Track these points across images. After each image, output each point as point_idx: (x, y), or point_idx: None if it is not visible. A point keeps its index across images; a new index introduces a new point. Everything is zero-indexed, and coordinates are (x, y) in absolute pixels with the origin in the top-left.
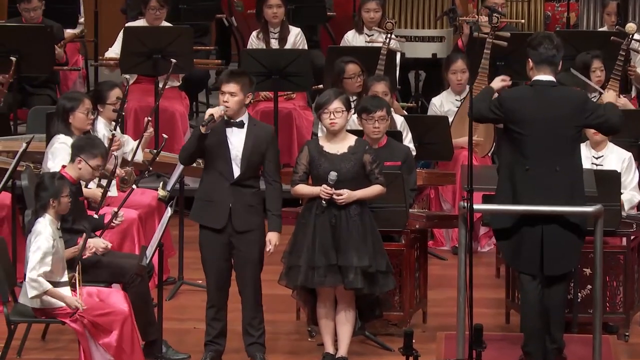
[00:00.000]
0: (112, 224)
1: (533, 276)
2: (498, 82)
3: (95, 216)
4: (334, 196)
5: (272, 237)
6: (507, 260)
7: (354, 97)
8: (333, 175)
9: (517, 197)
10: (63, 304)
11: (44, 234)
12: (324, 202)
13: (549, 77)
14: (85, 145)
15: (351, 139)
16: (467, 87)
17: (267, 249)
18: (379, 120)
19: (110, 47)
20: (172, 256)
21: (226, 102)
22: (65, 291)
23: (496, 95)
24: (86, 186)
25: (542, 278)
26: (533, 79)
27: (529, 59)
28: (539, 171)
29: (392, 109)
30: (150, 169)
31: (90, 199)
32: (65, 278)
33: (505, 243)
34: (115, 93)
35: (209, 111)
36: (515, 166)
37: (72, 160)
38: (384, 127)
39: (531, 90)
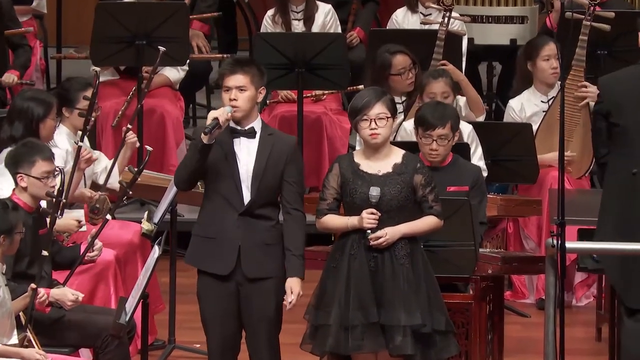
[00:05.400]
0: (87, 257)
1: None
2: None
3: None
4: (371, 240)
5: (293, 285)
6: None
7: (403, 98)
8: (375, 191)
9: (624, 212)
10: None
11: None
12: (369, 231)
13: None
14: (18, 155)
15: (397, 155)
16: (557, 83)
17: (288, 301)
18: (439, 140)
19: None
20: (160, 311)
21: (234, 100)
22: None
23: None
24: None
25: None
26: None
27: (638, 32)
28: None
29: (461, 108)
30: (130, 192)
31: (57, 235)
32: (14, 339)
33: (615, 269)
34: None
35: (213, 114)
36: (619, 171)
37: (15, 182)
38: (444, 149)
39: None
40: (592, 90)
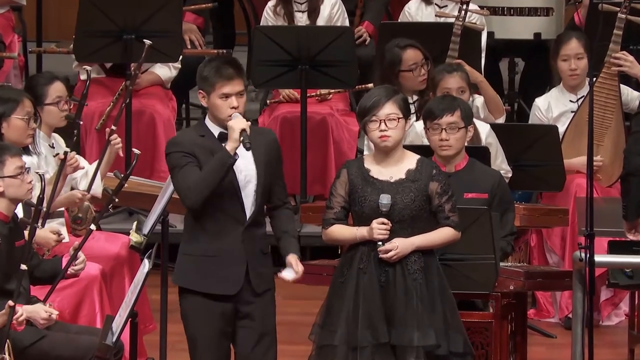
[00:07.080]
0: (70, 270)
1: None
2: None
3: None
4: (380, 252)
5: (292, 259)
6: None
7: (415, 97)
8: (385, 199)
9: None
10: None
11: None
12: (380, 243)
13: None
14: None
15: (411, 160)
16: (587, 81)
17: (292, 275)
18: (449, 129)
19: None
20: (150, 331)
21: (236, 107)
22: None
23: None
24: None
25: None
26: None
27: None
28: None
29: (478, 109)
30: (116, 200)
31: (37, 248)
32: None
33: None
34: (56, 89)
35: (239, 126)
36: None
37: None
38: (456, 139)
39: None
40: (630, 59)
